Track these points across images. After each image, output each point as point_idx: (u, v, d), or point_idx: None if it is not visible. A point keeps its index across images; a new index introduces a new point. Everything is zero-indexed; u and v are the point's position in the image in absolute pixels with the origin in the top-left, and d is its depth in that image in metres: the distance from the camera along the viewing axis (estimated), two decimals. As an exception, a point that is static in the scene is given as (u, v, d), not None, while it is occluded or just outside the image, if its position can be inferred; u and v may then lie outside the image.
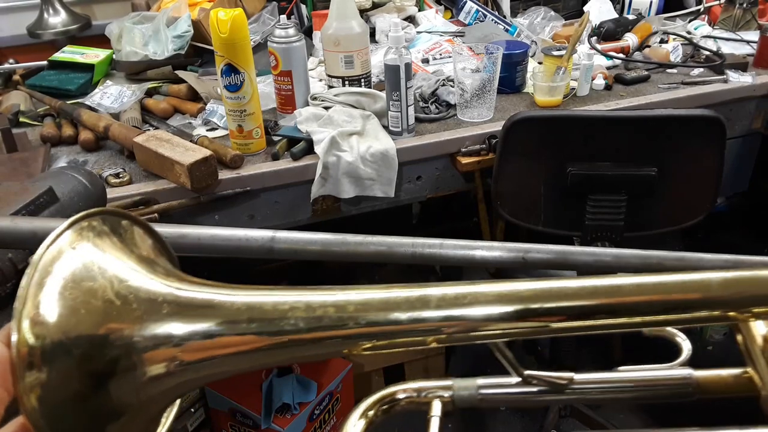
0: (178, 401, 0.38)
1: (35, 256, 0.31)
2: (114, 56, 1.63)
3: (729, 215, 2.19)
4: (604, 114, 1.30)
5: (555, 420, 1.78)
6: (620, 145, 1.24)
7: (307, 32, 1.71)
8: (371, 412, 0.48)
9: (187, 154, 1.17)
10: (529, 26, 1.80)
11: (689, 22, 1.84)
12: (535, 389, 0.46)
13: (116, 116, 1.41)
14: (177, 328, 0.33)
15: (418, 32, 1.74)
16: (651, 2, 1.88)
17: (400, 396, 0.48)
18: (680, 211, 1.32)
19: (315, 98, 1.39)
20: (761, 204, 2.07)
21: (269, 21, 1.67)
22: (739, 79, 1.53)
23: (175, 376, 0.33)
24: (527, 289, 0.36)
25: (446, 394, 0.48)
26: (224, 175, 1.23)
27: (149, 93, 1.53)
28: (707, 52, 1.66)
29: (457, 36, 1.73)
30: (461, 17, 1.84)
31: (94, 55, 1.63)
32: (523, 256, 0.61)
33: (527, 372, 0.44)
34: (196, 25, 1.59)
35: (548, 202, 1.31)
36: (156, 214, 1.16)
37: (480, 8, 1.81)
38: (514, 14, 1.92)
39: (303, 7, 1.78)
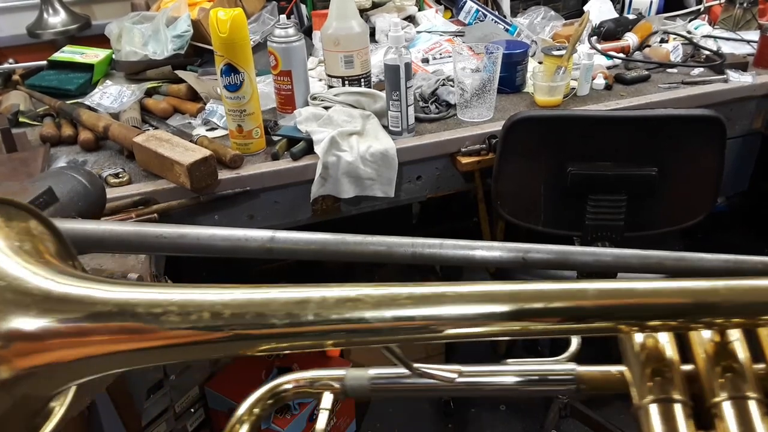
0: (72, 389, 0.36)
1: None
2: (113, 56, 1.63)
3: (729, 215, 2.19)
4: (605, 114, 1.30)
5: (555, 420, 1.78)
6: (620, 145, 1.24)
7: (307, 32, 1.71)
8: (257, 410, 0.47)
9: (187, 154, 1.17)
10: (529, 26, 1.80)
11: (689, 21, 1.84)
12: (425, 381, 0.46)
13: (116, 116, 1.41)
14: (37, 323, 0.32)
15: (418, 32, 1.74)
16: (651, 2, 1.88)
17: (287, 387, 0.48)
18: (680, 211, 1.32)
19: (315, 98, 1.39)
20: (761, 204, 2.07)
21: (269, 21, 1.66)
22: (739, 79, 1.53)
23: (44, 370, 0.32)
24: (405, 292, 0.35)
25: (337, 384, 0.47)
26: (224, 175, 1.23)
27: (149, 93, 1.52)
28: (707, 52, 1.66)
29: (457, 36, 1.73)
30: (461, 17, 1.84)
31: (93, 55, 1.63)
32: (523, 256, 0.61)
33: (416, 365, 0.44)
34: (196, 24, 1.59)
35: (548, 202, 1.31)
36: (155, 214, 1.16)
37: (480, 8, 1.81)
38: (514, 14, 1.92)
39: (303, 6, 1.78)
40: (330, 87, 1.44)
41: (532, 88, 1.50)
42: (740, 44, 1.72)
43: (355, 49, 1.37)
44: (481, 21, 1.80)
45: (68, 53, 1.63)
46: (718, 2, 1.89)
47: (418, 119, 1.39)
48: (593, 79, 1.53)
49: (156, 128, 1.39)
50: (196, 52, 1.64)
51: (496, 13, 1.83)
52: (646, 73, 1.58)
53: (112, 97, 1.49)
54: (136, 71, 1.60)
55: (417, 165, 1.36)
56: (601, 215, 1.28)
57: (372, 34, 1.68)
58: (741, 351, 0.41)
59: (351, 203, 1.34)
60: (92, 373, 0.34)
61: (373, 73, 1.47)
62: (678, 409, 0.39)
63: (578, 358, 0.48)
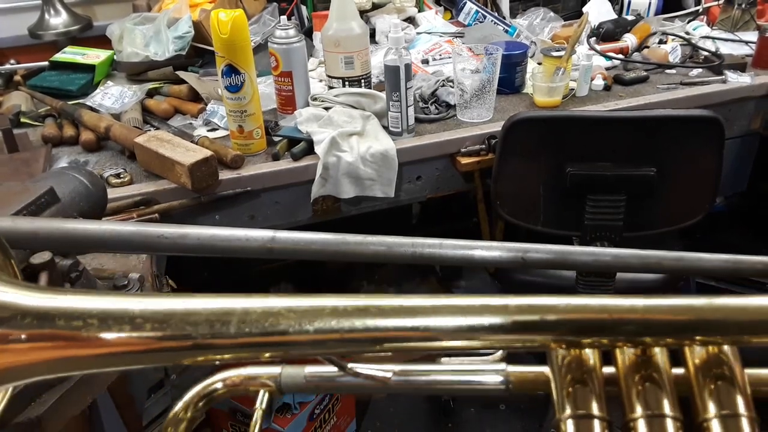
0: (8, 391, 0.36)
1: None
2: (115, 57, 1.64)
3: (728, 215, 2.19)
4: (603, 114, 1.31)
5: (555, 420, 1.78)
6: (619, 145, 1.24)
7: (308, 33, 1.71)
8: (188, 413, 0.47)
9: (188, 154, 1.18)
10: (529, 27, 1.80)
11: (688, 22, 1.85)
12: (360, 381, 0.47)
13: (117, 117, 1.41)
14: None
15: (418, 33, 1.74)
16: (650, 3, 1.88)
17: (218, 387, 0.48)
18: (679, 211, 1.32)
19: (315, 99, 1.40)
20: (760, 204, 2.07)
21: (270, 22, 1.67)
22: (737, 80, 1.54)
23: None
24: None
25: (272, 382, 0.48)
26: (225, 175, 1.23)
27: (150, 94, 1.53)
28: (706, 53, 1.66)
29: (456, 37, 1.74)
30: (461, 18, 1.85)
31: (95, 56, 1.63)
32: (522, 256, 0.61)
33: (350, 365, 0.45)
34: (197, 26, 1.60)
35: (547, 203, 1.31)
36: (157, 215, 1.16)
37: (479, 9, 1.82)
38: (513, 15, 1.92)
39: (303, 8, 1.78)
40: (330, 88, 1.44)
41: (531, 88, 1.51)
42: (739, 45, 1.73)
43: (355, 50, 1.38)
44: (481, 22, 1.81)
45: (70, 54, 1.64)
46: (716, 3, 1.89)
47: (418, 120, 1.40)
48: (592, 79, 1.53)
49: (157, 129, 1.39)
50: (197, 53, 1.64)
51: (496, 14, 1.84)
52: (645, 73, 1.59)
53: (113, 97, 1.49)
54: (137, 72, 1.60)
55: (417, 165, 1.36)
56: (600, 215, 1.28)
57: (372, 35, 1.69)
58: (662, 360, 0.40)
59: (351, 203, 1.35)
60: (10, 381, 0.34)
61: (373, 74, 1.48)
62: (596, 427, 0.38)
63: (509, 358, 0.48)
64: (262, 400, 0.49)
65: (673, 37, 1.77)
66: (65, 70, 1.61)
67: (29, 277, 0.68)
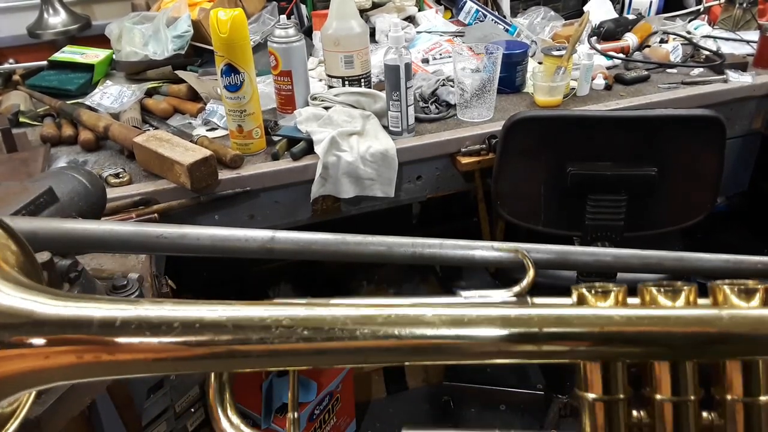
0: (32, 394, 0.36)
1: None
2: (114, 56, 1.63)
3: (729, 215, 2.19)
4: (604, 114, 1.30)
5: (555, 419, 1.78)
6: (620, 145, 1.24)
7: (307, 32, 1.71)
8: None
9: (187, 154, 1.17)
10: (529, 26, 1.80)
11: (689, 21, 1.84)
12: None
13: (116, 116, 1.41)
14: None
15: (418, 32, 1.74)
16: (651, 2, 1.88)
17: None
18: (680, 211, 1.32)
19: (315, 98, 1.39)
20: (761, 204, 2.07)
21: (269, 21, 1.67)
22: (739, 79, 1.53)
23: None
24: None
25: None
26: (224, 175, 1.23)
27: (149, 93, 1.53)
28: (707, 52, 1.66)
29: (457, 36, 1.73)
30: (461, 17, 1.84)
31: (93, 55, 1.63)
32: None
33: None
34: (196, 25, 1.59)
35: (548, 202, 1.31)
36: (156, 214, 1.16)
37: (480, 8, 1.81)
38: (514, 14, 1.92)
39: (303, 7, 1.78)
40: (330, 87, 1.44)
41: (532, 88, 1.50)
42: (740, 44, 1.72)
43: (355, 50, 1.37)
44: (481, 21, 1.80)
45: (68, 53, 1.64)
46: (717, 2, 1.89)
47: (418, 119, 1.39)
48: (593, 79, 1.53)
49: (156, 128, 1.39)
50: (197, 52, 1.64)
51: (496, 13, 1.83)
52: (646, 73, 1.58)
53: (112, 97, 1.49)
54: (136, 71, 1.60)
55: (417, 165, 1.36)
56: (601, 215, 1.28)
57: (372, 34, 1.68)
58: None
59: (351, 203, 1.34)
60: (28, 387, 0.34)
61: (373, 74, 1.47)
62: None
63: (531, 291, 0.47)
64: None
65: (674, 36, 1.77)
66: (64, 69, 1.61)
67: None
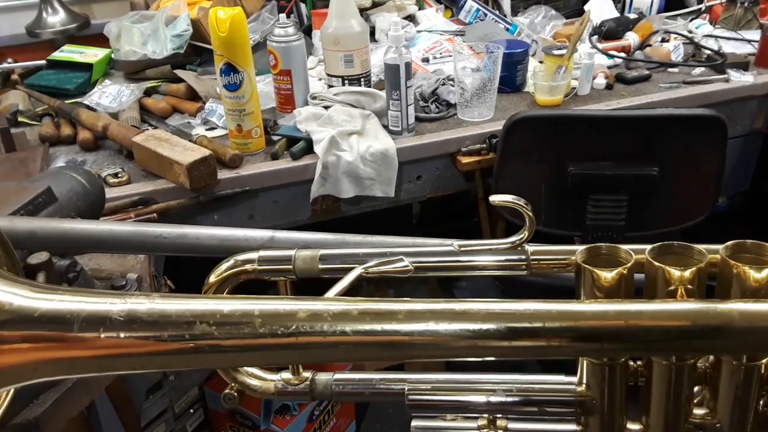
0: (10, 390, 0.36)
1: None
2: (113, 55, 1.63)
3: (730, 215, 2.18)
4: (605, 113, 1.30)
5: (555, 420, 1.77)
6: (621, 144, 1.24)
7: (307, 31, 1.71)
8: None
9: (186, 153, 1.17)
10: (530, 25, 1.79)
11: (690, 21, 1.84)
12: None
13: (115, 116, 1.40)
14: None
15: (418, 31, 1.73)
16: (652, 1, 1.88)
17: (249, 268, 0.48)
18: (681, 210, 1.32)
19: (314, 97, 1.39)
20: (762, 204, 2.06)
21: (268, 20, 1.66)
22: (740, 79, 1.53)
23: None
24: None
25: (288, 267, 0.48)
26: (223, 174, 1.23)
27: (148, 92, 1.52)
28: (708, 52, 1.65)
29: (457, 35, 1.73)
30: (461, 16, 1.84)
31: (92, 55, 1.62)
32: (524, 256, 0.61)
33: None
34: (195, 24, 1.59)
35: (549, 202, 1.31)
36: (155, 214, 1.15)
37: (480, 7, 1.81)
38: (514, 13, 1.91)
39: (302, 5, 1.77)
40: (330, 86, 1.43)
41: (532, 87, 1.50)
42: (741, 44, 1.72)
43: (355, 49, 1.37)
44: (482, 20, 1.80)
45: (67, 53, 1.63)
46: (719, 1, 1.88)
47: (418, 119, 1.39)
48: (594, 78, 1.52)
49: (155, 128, 1.38)
50: (196, 51, 1.63)
51: (497, 12, 1.83)
52: (647, 72, 1.58)
53: (111, 96, 1.48)
54: (135, 70, 1.60)
55: (417, 165, 1.36)
56: (602, 215, 1.28)
57: (372, 33, 1.68)
58: None
59: (351, 203, 1.34)
60: (10, 383, 0.34)
61: (373, 73, 1.47)
62: None
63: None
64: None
65: (675, 35, 1.76)
66: (63, 68, 1.61)
67: (27, 277, 0.68)
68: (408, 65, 1.25)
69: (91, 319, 0.33)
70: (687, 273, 0.39)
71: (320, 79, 1.53)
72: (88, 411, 0.90)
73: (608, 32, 1.72)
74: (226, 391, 0.48)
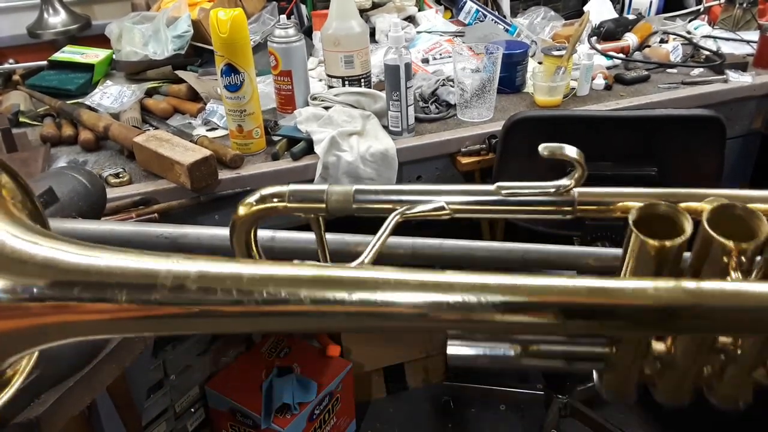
0: (34, 356, 0.34)
1: None
2: (114, 56, 1.63)
3: (729, 215, 2.18)
4: (605, 114, 1.30)
5: (555, 420, 1.78)
6: (620, 145, 1.24)
7: (307, 32, 1.71)
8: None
9: (187, 154, 1.17)
10: (529, 26, 1.80)
11: (689, 21, 1.84)
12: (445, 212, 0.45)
13: (116, 116, 1.41)
14: None
15: (418, 32, 1.74)
16: (651, 2, 1.88)
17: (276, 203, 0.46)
18: (680, 211, 1.32)
19: (315, 98, 1.39)
20: (761, 204, 2.07)
21: (269, 21, 1.67)
22: (739, 79, 1.53)
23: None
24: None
25: (321, 205, 0.46)
26: (224, 174, 1.23)
27: (149, 93, 1.52)
28: (707, 52, 1.66)
29: (457, 36, 1.73)
30: (461, 17, 1.84)
31: (93, 55, 1.63)
32: (522, 256, 0.61)
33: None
34: (196, 25, 1.59)
35: (548, 202, 1.31)
36: (156, 214, 1.16)
37: (480, 8, 1.81)
38: (514, 14, 1.92)
39: (303, 6, 1.78)
40: (330, 87, 1.44)
41: (532, 88, 1.50)
42: (740, 44, 1.72)
43: (355, 49, 1.37)
44: (481, 21, 1.80)
45: (68, 53, 1.63)
46: (717, 2, 1.89)
47: (418, 119, 1.39)
48: (593, 79, 1.53)
49: (156, 128, 1.39)
50: (197, 52, 1.64)
51: (496, 13, 1.83)
52: (646, 73, 1.58)
53: (112, 97, 1.49)
54: (136, 71, 1.60)
55: (417, 165, 1.36)
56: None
57: (372, 34, 1.68)
58: None
59: (351, 203, 1.34)
60: (49, 341, 0.33)
61: (373, 73, 1.47)
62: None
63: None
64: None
65: (674, 36, 1.77)
66: (64, 69, 1.61)
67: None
68: (408, 66, 1.26)
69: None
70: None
71: (320, 80, 1.54)
72: (89, 410, 0.90)
73: (607, 33, 1.73)
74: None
